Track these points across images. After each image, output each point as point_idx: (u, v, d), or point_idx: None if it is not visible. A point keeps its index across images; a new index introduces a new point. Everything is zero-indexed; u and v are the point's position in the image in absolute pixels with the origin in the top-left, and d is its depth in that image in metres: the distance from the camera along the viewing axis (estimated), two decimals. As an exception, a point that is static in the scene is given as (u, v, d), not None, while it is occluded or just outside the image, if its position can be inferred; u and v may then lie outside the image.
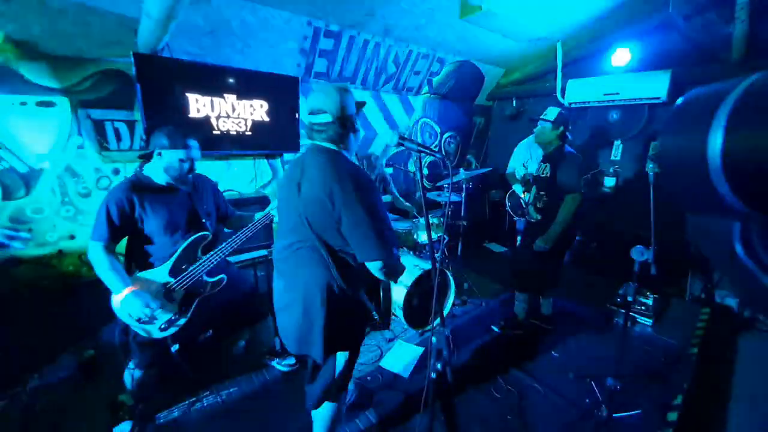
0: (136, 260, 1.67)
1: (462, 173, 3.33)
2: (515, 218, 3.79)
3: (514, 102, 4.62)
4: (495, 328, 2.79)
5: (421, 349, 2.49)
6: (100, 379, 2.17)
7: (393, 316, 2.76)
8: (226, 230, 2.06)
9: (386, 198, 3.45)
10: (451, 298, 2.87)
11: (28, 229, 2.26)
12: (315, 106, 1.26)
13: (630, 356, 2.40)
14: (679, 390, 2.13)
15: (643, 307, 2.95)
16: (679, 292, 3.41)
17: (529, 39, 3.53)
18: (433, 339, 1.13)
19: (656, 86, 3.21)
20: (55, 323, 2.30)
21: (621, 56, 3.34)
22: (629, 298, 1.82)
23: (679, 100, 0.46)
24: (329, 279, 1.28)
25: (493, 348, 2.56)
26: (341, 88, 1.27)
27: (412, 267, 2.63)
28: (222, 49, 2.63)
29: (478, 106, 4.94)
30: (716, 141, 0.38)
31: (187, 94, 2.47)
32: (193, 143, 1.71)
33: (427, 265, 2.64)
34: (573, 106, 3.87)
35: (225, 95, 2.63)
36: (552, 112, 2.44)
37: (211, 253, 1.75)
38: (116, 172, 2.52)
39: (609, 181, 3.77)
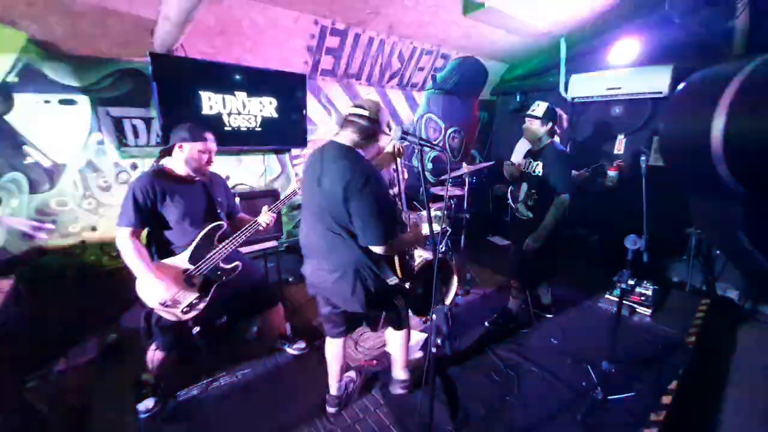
0: (157, 248, 1.79)
1: (464, 167, 3.40)
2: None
3: (518, 97, 4.65)
4: (487, 324, 2.76)
5: (424, 335, 2.59)
6: (122, 361, 2.31)
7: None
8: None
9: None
10: (453, 288, 2.96)
11: (53, 221, 2.40)
12: (360, 103, 1.54)
13: (628, 344, 2.47)
14: (675, 375, 2.21)
15: (642, 297, 3.02)
16: (678, 283, 3.47)
17: (532, 35, 3.58)
18: (433, 316, 1.23)
19: (658, 81, 3.24)
20: (78, 310, 2.44)
21: (625, 51, 3.38)
22: (624, 286, 1.89)
23: (681, 85, 0.52)
24: (356, 258, 1.55)
25: (494, 335, 2.65)
26: (384, 108, 1.57)
27: (417, 258, 2.72)
28: (233, 48, 2.73)
29: (482, 101, 4.99)
30: (719, 124, 0.44)
31: (200, 92, 2.58)
32: (211, 136, 1.82)
33: (431, 256, 2.72)
34: (576, 100, 3.92)
35: (236, 93, 2.73)
36: (540, 108, 2.34)
37: (227, 241, 1.86)
38: (134, 166, 2.64)
39: (612, 175, 3.81)
